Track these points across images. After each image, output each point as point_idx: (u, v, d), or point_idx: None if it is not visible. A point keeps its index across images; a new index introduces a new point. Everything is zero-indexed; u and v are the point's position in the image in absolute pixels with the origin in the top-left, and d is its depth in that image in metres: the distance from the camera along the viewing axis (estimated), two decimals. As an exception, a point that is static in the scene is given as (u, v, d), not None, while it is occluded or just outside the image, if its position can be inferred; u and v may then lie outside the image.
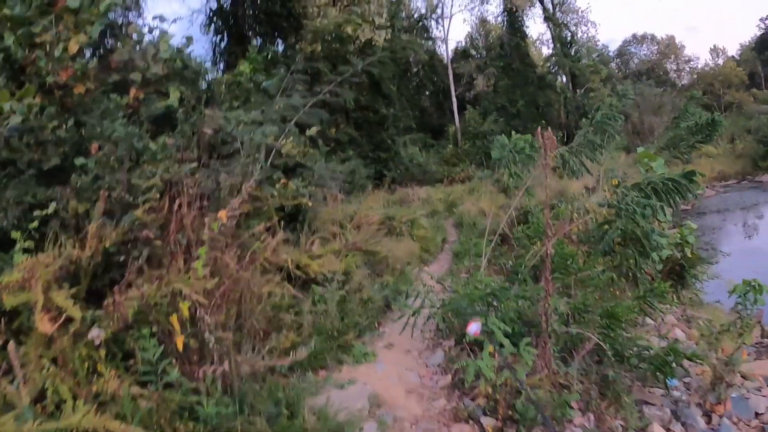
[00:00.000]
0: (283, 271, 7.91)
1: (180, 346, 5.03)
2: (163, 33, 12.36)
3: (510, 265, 11.23)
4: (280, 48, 29.33)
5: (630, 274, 7.22)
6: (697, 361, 6.44)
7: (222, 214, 6.23)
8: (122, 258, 6.34)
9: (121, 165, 7.33)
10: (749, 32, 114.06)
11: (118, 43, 11.64)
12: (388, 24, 31.97)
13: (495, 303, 6.95)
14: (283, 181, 8.67)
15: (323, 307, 7.57)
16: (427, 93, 51.09)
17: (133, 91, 10.40)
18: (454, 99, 42.62)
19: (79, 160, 7.65)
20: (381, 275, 10.41)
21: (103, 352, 5.05)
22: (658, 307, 7.40)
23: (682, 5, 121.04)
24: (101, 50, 11.77)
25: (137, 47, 11.68)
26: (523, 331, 6.67)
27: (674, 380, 6.54)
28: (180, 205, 6.86)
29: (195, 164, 7.49)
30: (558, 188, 18.53)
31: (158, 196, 6.92)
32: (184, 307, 5.04)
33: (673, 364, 6.21)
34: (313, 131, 13.06)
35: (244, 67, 16.07)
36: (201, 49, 36.86)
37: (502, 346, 5.81)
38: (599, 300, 7.08)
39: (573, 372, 6.14)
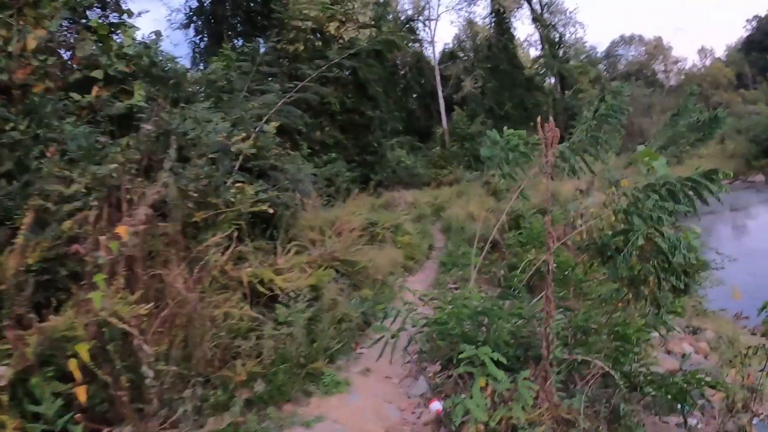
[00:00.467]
0: (246, 287, 6.90)
1: (82, 398, 4.01)
2: (127, 27, 11.47)
3: (502, 274, 10.32)
4: (263, 49, 28.33)
5: (647, 290, 6.23)
6: (720, 389, 5.52)
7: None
8: (49, 277, 5.35)
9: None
10: (736, 33, 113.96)
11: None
12: (372, 23, 31.02)
13: (486, 323, 5.98)
14: (238, 184, 7.56)
15: (289, 330, 6.52)
16: (415, 95, 50.13)
17: (95, 90, 9.52)
18: (441, 100, 41.67)
19: (33, 164, 6.69)
20: (360, 288, 9.43)
21: (5, 397, 4.06)
22: (670, 324, 6.49)
23: (668, 6, 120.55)
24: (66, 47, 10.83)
25: (100, 43, 10.80)
26: (520, 356, 5.74)
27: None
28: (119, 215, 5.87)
29: (139, 167, 6.45)
30: (550, 190, 17.54)
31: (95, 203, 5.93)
32: (82, 349, 4.02)
33: (693, 393, 5.32)
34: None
35: (216, 64, 15.03)
36: (182, 50, 35.78)
37: (495, 379, 4.84)
38: (605, 317, 6.11)
39: (578, 405, 5.18)
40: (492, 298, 7.14)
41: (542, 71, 50.38)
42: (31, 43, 8.60)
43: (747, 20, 78.97)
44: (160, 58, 12.50)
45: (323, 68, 11.39)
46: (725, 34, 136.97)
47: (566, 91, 48.49)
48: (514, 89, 45.69)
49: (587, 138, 6.49)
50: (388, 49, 43.21)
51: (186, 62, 26.32)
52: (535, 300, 7.12)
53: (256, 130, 9.98)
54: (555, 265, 5.49)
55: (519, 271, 9.87)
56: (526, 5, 49.50)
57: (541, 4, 50.02)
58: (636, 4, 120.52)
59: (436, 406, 5.59)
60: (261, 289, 6.82)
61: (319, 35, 28.25)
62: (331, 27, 27.88)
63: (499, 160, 7.09)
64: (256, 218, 11.17)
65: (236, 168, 9.39)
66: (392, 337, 5.84)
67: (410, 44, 49.94)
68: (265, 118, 9.81)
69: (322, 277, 7.62)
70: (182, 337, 5.45)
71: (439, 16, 45.19)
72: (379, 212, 16.99)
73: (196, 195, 6.44)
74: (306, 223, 12.60)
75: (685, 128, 27.63)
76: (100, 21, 10.85)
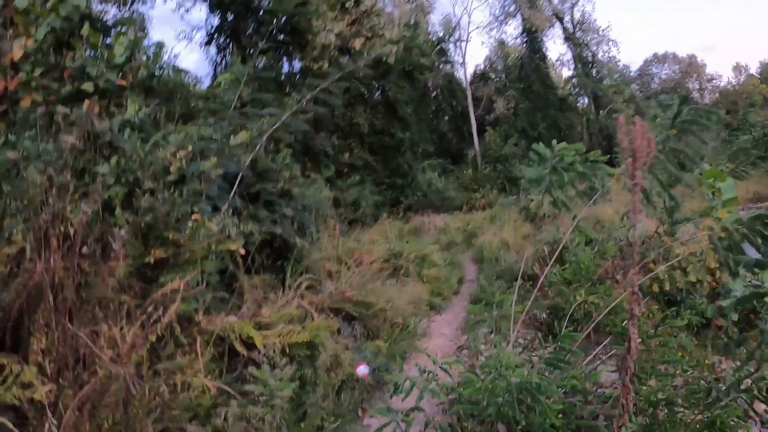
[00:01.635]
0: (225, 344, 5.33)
1: None
2: (118, 34, 10.18)
3: (544, 318, 8.64)
4: (285, 67, 27.01)
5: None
6: None
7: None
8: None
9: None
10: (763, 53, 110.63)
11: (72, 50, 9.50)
12: (398, 39, 29.62)
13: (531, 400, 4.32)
14: (194, 217, 5.93)
15: (270, 404, 4.85)
16: (446, 117, 48.61)
17: (86, 104, 8.26)
18: (473, 121, 39.95)
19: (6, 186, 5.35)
20: (375, 335, 7.81)
21: None
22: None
23: (697, 25, 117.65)
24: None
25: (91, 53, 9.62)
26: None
27: None
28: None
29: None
30: (590, 213, 15.87)
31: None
32: None
33: None
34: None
35: (223, 77, 13.64)
36: (204, 69, 34.66)
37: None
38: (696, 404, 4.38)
39: None
40: (532, 357, 5.51)
41: (575, 91, 48.45)
42: (17, 53, 7.95)
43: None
44: (162, 69, 11.17)
45: (334, 78, 9.64)
46: (757, 51, 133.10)
47: (600, 111, 46.47)
48: (547, 110, 43.85)
49: (666, 151, 4.77)
50: (419, 71, 42.04)
51: (207, 81, 25.15)
52: (589, 360, 5.49)
53: (257, 149, 8.49)
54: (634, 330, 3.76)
55: (567, 318, 8.24)
56: (557, 24, 47.77)
57: (573, 23, 48.25)
58: (664, 23, 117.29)
59: (363, 370, 5.35)
60: (239, 348, 5.20)
61: (344, 52, 26.84)
62: (357, 43, 26.45)
63: (549, 183, 5.45)
64: (265, 248, 9.75)
65: (232, 194, 7.91)
66: (403, 420, 4.22)
67: (441, 66, 48.65)
68: (265, 135, 8.29)
69: (319, 331, 5.93)
70: (115, 420, 3.92)
71: (469, 36, 43.56)
72: (405, 240, 15.40)
73: (145, 228, 4.94)
74: (323, 253, 11.17)
75: (749, 144, 25.25)
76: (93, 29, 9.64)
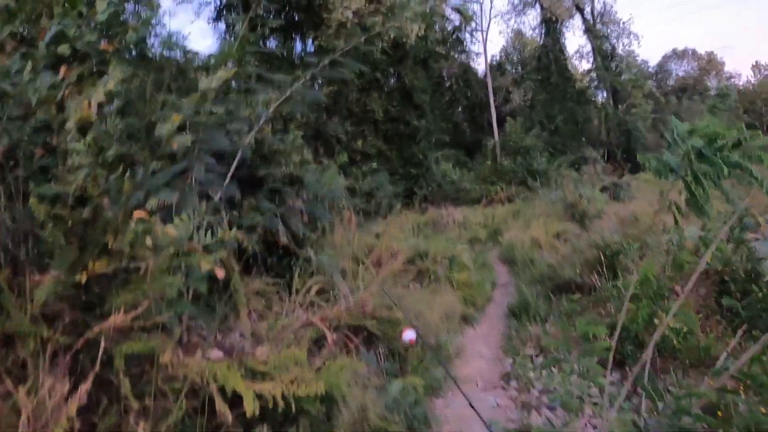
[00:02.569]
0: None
1: None
2: (104, -13, 8.41)
3: (605, 337, 6.91)
4: (299, 46, 25.24)
5: None
6: None
7: None
8: None
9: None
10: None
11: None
12: (419, 18, 27.78)
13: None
14: (137, 215, 3.91)
15: None
16: (460, 108, 46.75)
17: (62, 70, 6.54)
18: (493, 110, 37.81)
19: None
20: (404, 359, 6.08)
21: None
22: None
23: (715, 24, 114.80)
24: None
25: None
26: None
27: None
28: None
29: None
30: (625, 214, 14.15)
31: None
32: None
33: None
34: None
35: (228, 50, 11.88)
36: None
37: None
38: None
39: None
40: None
41: (594, 84, 46.42)
42: (-19, 11, 6.04)
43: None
44: (156, 36, 9.43)
45: (345, 48, 7.86)
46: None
47: (619, 106, 44.45)
48: (565, 102, 41.99)
49: None
50: (435, 59, 40.31)
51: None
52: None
53: (260, 122, 6.76)
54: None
55: (632, 340, 6.58)
56: (577, 15, 45.68)
57: (593, 14, 46.12)
58: (684, 19, 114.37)
59: (409, 335, 4.95)
60: (220, 407, 3.44)
61: (362, 31, 25.05)
62: (376, 25, 24.66)
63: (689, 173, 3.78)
64: (270, 244, 8.11)
65: (228, 178, 6.19)
66: None
67: (457, 55, 46.88)
68: (272, 107, 6.55)
69: (338, 377, 4.11)
70: None
71: (488, 26, 41.57)
72: (425, 236, 13.68)
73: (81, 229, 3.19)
74: (337, 250, 9.54)
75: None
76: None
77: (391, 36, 25.17)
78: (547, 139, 33.98)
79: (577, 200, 9.90)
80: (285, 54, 23.22)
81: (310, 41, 25.30)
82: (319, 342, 5.65)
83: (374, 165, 19.02)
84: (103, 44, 7.66)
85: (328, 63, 7.19)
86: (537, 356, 7.07)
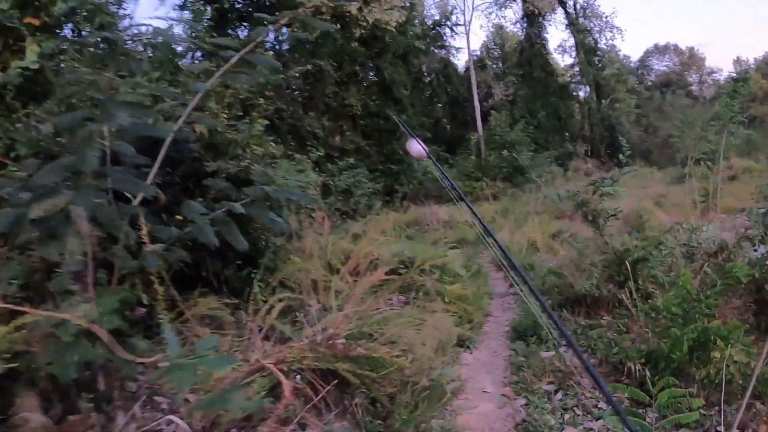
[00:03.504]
0: None
1: None
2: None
3: (638, 369, 5.39)
4: (272, 36, 23.47)
5: None
6: None
7: None
8: None
9: None
10: (762, 47, 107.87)
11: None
12: (402, 4, 26.19)
13: None
14: None
15: None
16: (440, 104, 45.33)
17: None
18: (477, 103, 36.10)
19: None
20: (392, 419, 4.51)
21: None
22: None
23: (692, 20, 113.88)
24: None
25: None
26: None
27: None
28: None
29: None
30: (626, 211, 12.71)
31: None
32: None
33: None
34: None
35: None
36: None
37: None
38: None
39: None
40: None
41: (577, 79, 45.02)
42: None
43: (779, 33, 73.16)
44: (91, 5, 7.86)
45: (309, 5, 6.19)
46: (755, 47, 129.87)
47: (602, 101, 43.14)
48: (548, 97, 40.71)
49: None
50: (414, 55, 38.97)
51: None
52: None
53: (196, 99, 5.13)
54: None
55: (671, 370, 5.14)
56: (559, 9, 44.25)
57: (575, 8, 44.73)
58: (664, 15, 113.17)
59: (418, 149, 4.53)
60: None
61: (338, 19, 23.44)
62: (352, 7, 22.99)
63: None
64: (223, 253, 6.59)
65: (154, 171, 4.58)
66: None
67: (437, 50, 45.55)
68: (213, 79, 4.91)
69: None
70: None
71: (471, 19, 40.01)
72: (412, 240, 12.13)
73: None
74: (306, 262, 8.06)
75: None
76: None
77: (370, 22, 23.63)
78: (531, 133, 32.39)
79: (589, 197, 8.48)
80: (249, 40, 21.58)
81: (284, 30, 23.63)
82: (275, 390, 4.12)
83: (351, 160, 17.18)
84: (30, 18, 6.32)
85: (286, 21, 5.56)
86: (556, 392, 5.56)
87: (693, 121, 20.06)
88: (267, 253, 7.68)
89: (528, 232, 12.86)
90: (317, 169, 17.66)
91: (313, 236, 8.72)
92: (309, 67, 25.15)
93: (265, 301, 6.58)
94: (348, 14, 23.14)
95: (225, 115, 8.06)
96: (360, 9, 23.15)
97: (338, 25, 23.27)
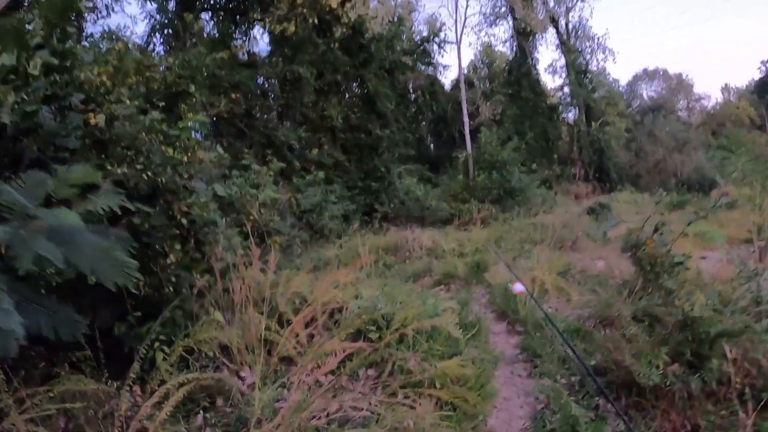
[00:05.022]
0: None
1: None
2: None
3: None
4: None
5: None
6: None
7: None
8: None
9: None
10: (746, 76, 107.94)
11: None
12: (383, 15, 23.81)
13: None
14: None
15: None
16: (425, 122, 43.02)
17: None
18: (466, 119, 33.26)
19: None
20: None
21: None
22: None
23: (674, 49, 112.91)
24: None
25: None
26: None
27: None
28: None
29: None
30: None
31: None
32: None
33: None
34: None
35: None
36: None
37: None
38: None
39: None
40: None
41: (566, 100, 42.69)
42: None
43: (762, 62, 71.41)
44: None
45: None
46: (737, 76, 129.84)
47: (592, 123, 40.87)
48: (536, 117, 38.50)
49: None
50: (401, 71, 37.08)
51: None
52: None
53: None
54: None
55: None
56: (550, 30, 42.01)
57: (567, 29, 42.47)
58: (652, 40, 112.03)
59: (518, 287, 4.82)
60: None
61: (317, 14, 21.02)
62: (333, 1, 20.46)
63: None
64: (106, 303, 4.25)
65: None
66: None
67: (424, 67, 43.45)
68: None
69: None
70: None
71: (461, 36, 37.46)
72: (390, 279, 9.52)
73: None
74: (239, 305, 5.64)
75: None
76: None
77: (352, 19, 21.17)
78: (520, 154, 29.63)
79: (649, 239, 6.10)
80: (219, 35, 19.01)
81: (257, 27, 21.26)
82: None
83: (320, 174, 13.85)
84: None
85: None
86: None
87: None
88: (179, 300, 5.25)
89: (530, 266, 10.33)
90: (287, 184, 15.04)
91: (254, 273, 6.20)
92: (287, 73, 22.87)
93: (162, 382, 4.24)
94: (329, 9, 20.63)
95: (133, 102, 5.56)
96: (342, 3, 20.66)
97: (316, 20, 20.88)
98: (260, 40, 24.66)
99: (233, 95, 17.07)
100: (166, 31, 18.85)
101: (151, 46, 19.85)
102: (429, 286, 10.35)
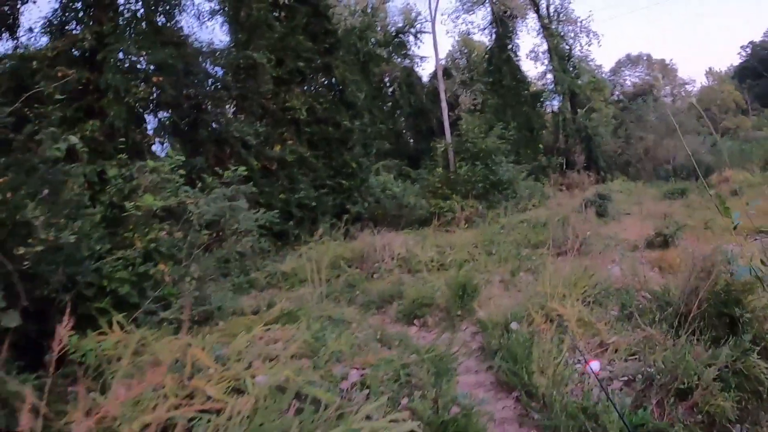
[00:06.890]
0: None
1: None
2: None
3: None
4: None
5: None
6: None
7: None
8: None
9: None
10: (729, 60, 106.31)
11: None
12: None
13: None
14: None
15: None
16: (403, 117, 40.04)
17: None
18: (445, 108, 30.00)
19: None
20: None
21: None
22: None
23: (653, 35, 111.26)
24: None
25: None
26: None
27: None
28: None
29: None
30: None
31: None
32: None
33: None
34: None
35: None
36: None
37: None
38: None
39: None
40: None
41: (550, 88, 39.61)
42: None
43: (741, 47, 69.60)
44: None
45: None
46: (718, 61, 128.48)
47: (578, 110, 37.87)
48: (518, 107, 35.56)
49: None
50: (375, 63, 34.26)
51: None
52: None
53: None
54: None
55: None
56: (530, 15, 39.06)
57: (549, 13, 39.39)
58: (628, 29, 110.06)
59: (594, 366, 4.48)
60: None
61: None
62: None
63: None
64: None
65: None
66: None
67: (400, 59, 40.56)
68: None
69: None
70: None
71: (434, 18, 34.35)
72: (350, 290, 6.35)
73: None
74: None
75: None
76: None
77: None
78: (505, 142, 26.33)
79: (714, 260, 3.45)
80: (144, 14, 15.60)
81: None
82: None
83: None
84: None
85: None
86: None
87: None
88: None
89: (539, 289, 7.11)
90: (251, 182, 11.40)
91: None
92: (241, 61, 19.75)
93: None
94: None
95: None
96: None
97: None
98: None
99: (155, 78, 13.80)
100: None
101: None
102: (395, 319, 7.17)
